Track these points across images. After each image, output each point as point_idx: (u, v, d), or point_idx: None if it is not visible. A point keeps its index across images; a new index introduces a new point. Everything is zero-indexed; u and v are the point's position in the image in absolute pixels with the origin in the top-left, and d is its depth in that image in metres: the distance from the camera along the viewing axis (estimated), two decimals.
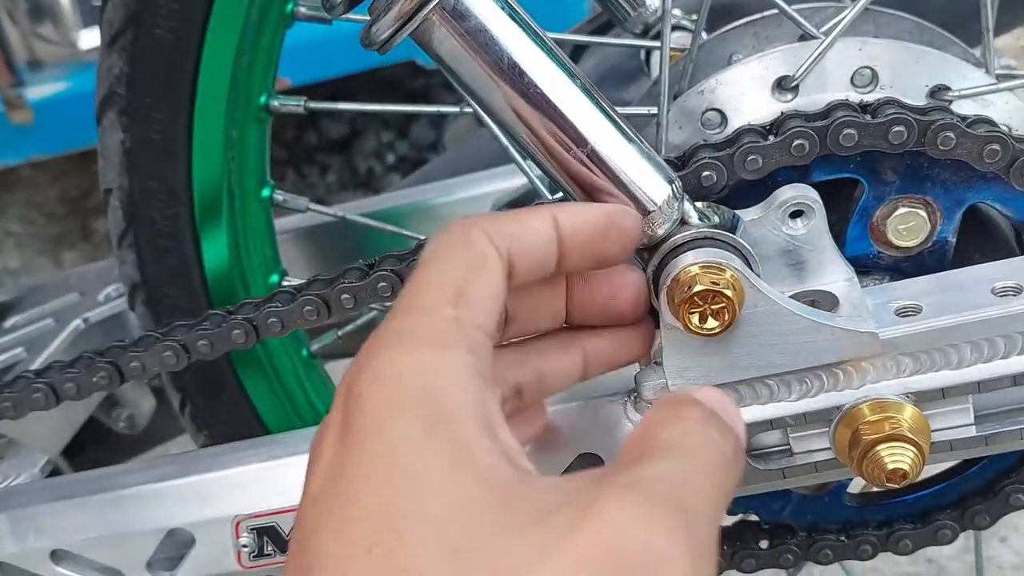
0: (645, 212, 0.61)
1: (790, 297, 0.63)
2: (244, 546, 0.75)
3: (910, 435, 0.62)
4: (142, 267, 0.88)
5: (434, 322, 0.48)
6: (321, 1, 0.59)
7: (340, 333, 0.98)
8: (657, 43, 0.91)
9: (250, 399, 0.94)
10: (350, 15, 0.84)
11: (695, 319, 0.60)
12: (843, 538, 0.78)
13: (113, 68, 0.80)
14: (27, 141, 2.47)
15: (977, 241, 0.70)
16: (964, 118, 0.66)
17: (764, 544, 0.80)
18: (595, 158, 0.60)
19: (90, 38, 2.34)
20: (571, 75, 0.59)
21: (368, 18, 0.59)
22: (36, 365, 0.99)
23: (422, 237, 0.79)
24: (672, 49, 0.85)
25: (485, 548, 0.40)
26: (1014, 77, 0.74)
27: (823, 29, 0.74)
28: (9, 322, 1.12)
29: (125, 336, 1.10)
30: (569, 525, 0.40)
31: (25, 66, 2.41)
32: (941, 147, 0.65)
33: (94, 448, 1.20)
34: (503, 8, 0.57)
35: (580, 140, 0.59)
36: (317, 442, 0.48)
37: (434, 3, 0.55)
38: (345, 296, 0.74)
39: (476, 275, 0.51)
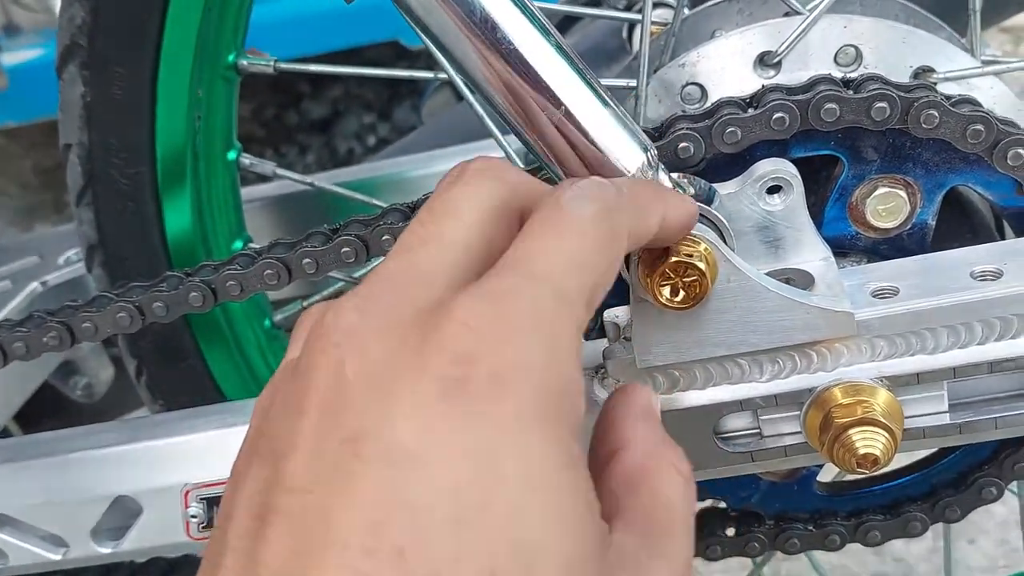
0: None
1: (765, 274, 0.61)
2: (193, 516, 0.72)
3: (883, 420, 0.60)
4: (100, 227, 0.85)
5: (575, 322, 0.43)
6: None
7: (305, 304, 0.95)
8: (639, 16, 0.89)
9: (209, 369, 0.91)
10: None
11: (666, 292, 0.58)
12: (811, 527, 0.76)
13: (75, 17, 0.78)
14: (1, 108, 2.42)
15: (957, 225, 0.68)
16: (948, 97, 0.64)
17: (731, 532, 0.78)
18: (569, 121, 0.57)
19: None
20: (546, 33, 0.57)
21: None
22: None
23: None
24: (655, 24, 0.83)
25: None
26: (1000, 62, 0.72)
27: (809, 6, 0.72)
28: None
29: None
30: None
31: (1, 32, 2.37)
32: (924, 125, 0.63)
33: (51, 419, 1.17)
34: None
35: (554, 101, 0.57)
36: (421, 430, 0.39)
37: None
38: (307, 260, 0.71)
39: (609, 277, 0.46)
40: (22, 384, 1.00)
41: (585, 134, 0.58)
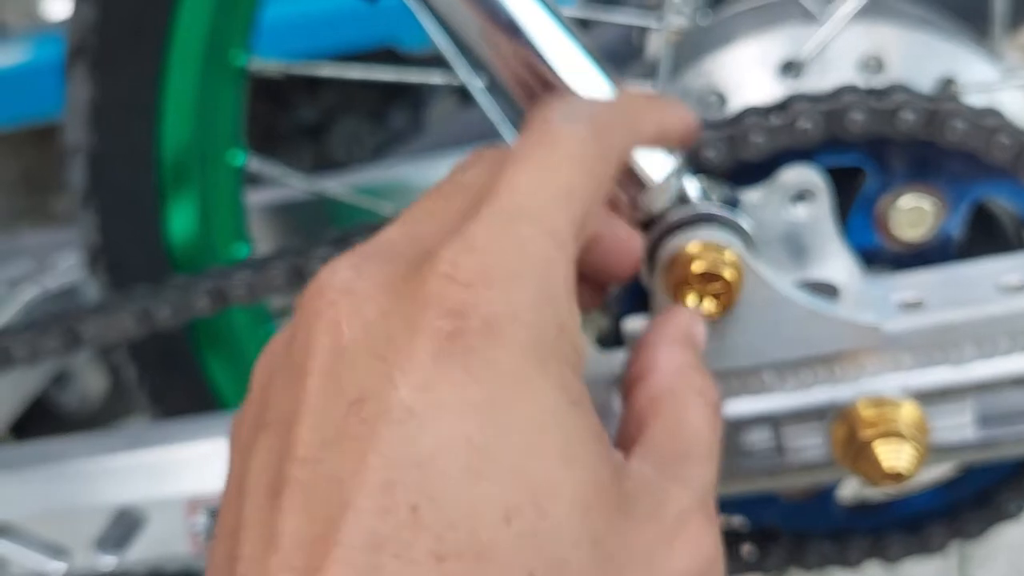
0: (642, 186, 0.58)
1: (790, 284, 0.60)
2: (198, 527, 0.71)
3: (908, 433, 0.59)
4: (104, 230, 0.84)
5: (565, 256, 0.42)
6: None
7: None
8: (653, 23, 0.88)
9: (211, 376, 0.90)
10: None
11: (692, 301, 0.57)
12: (831, 544, 0.75)
13: (85, 18, 0.76)
14: None
15: (982, 239, 0.67)
16: (973, 108, 0.64)
17: (748, 548, 0.77)
18: None
19: (57, 9, 2.29)
20: (573, 37, 0.56)
21: None
22: None
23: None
24: (673, 32, 0.82)
25: (619, 540, 0.39)
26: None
27: (830, 13, 0.72)
28: None
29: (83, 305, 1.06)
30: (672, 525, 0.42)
31: None
32: (949, 136, 0.62)
33: (43, 428, 1.15)
34: None
35: None
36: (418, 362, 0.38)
37: None
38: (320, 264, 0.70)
39: (600, 200, 0.46)
40: (19, 392, 0.98)
41: None
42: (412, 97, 2.89)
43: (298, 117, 2.99)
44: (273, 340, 0.45)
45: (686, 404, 0.47)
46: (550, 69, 0.54)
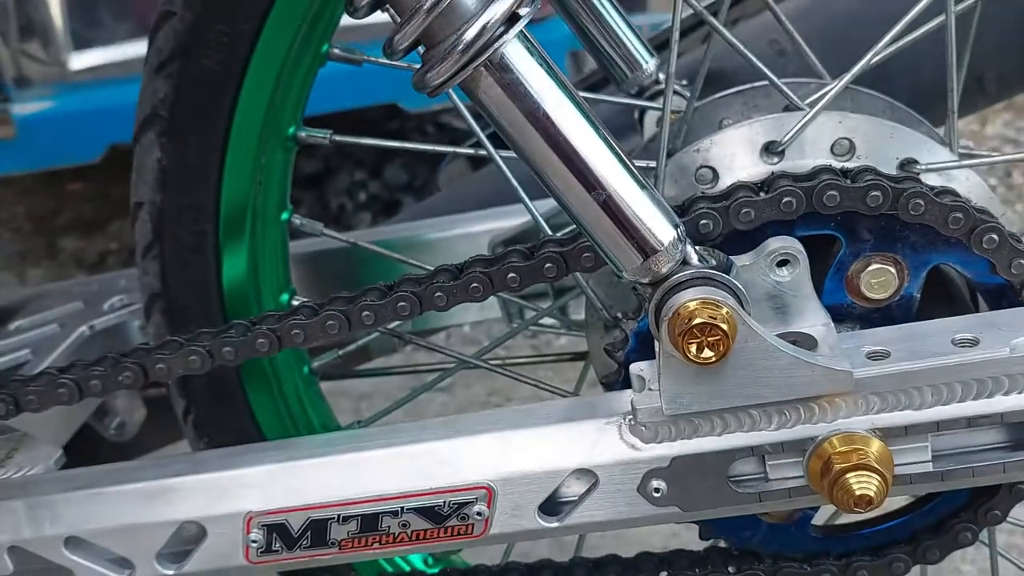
0: (652, 251, 0.68)
1: (776, 336, 0.71)
2: (253, 542, 0.79)
3: (877, 466, 0.70)
4: (164, 278, 0.93)
5: None
6: (345, 5, 0.66)
7: (340, 352, 1.03)
8: (654, 104, 1.00)
9: (252, 410, 0.99)
10: (377, 59, 0.92)
11: (693, 349, 0.68)
12: (806, 566, 0.85)
13: (158, 92, 0.86)
14: (6, 156, 2.49)
15: (939, 298, 0.78)
16: (932, 188, 0.75)
17: (732, 569, 0.86)
18: (612, 200, 0.67)
19: (80, 60, 2.39)
20: (595, 126, 0.67)
21: (395, 63, 0.66)
22: (44, 367, 1.03)
23: (428, 267, 0.85)
24: (672, 112, 0.93)
25: None
26: (975, 156, 0.83)
27: (807, 101, 0.83)
28: (13, 325, 1.16)
29: (125, 345, 1.15)
30: None
31: (12, 82, 2.45)
32: (912, 212, 0.73)
33: (82, 456, 1.24)
34: (541, 64, 0.65)
35: (600, 184, 0.67)
36: None
37: (484, 56, 0.63)
38: (366, 313, 0.80)
39: None
40: (68, 422, 1.07)
41: (626, 211, 0.68)
42: (409, 155, 3.01)
43: (297, 169, 3.10)
44: None
45: None
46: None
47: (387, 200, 3.01)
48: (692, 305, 0.68)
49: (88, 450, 1.22)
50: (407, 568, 1.05)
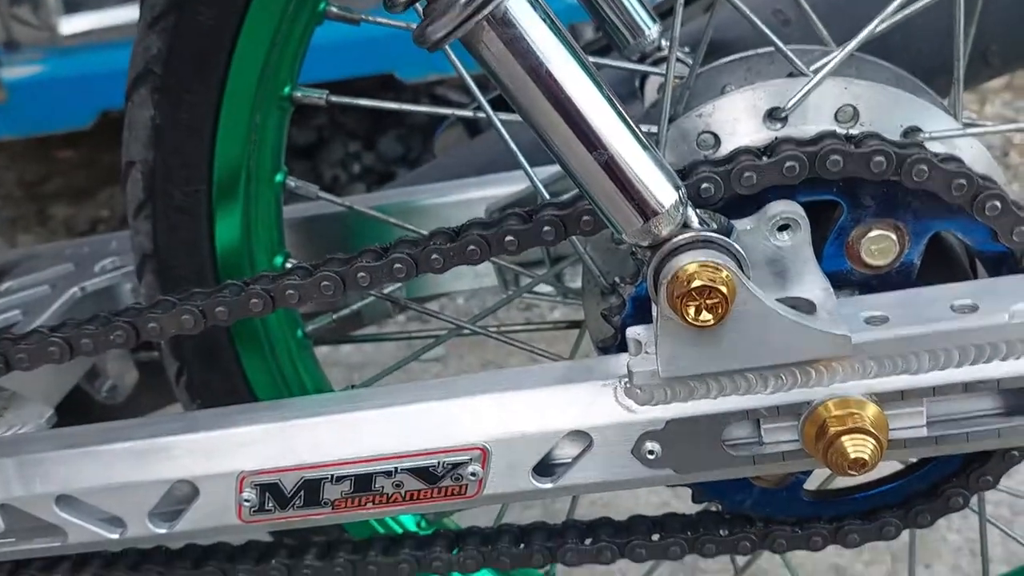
0: (653, 213, 0.68)
1: (775, 300, 0.71)
2: (246, 501, 0.79)
3: (872, 429, 0.70)
4: (156, 238, 0.92)
5: None
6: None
7: (335, 316, 1.03)
8: (658, 69, 0.99)
9: (245, 373, 0.98)
10: (375, 18, 0.91)
11: (691, 311, 0.67)
12: (797, 530, 0.85)
13: (151, 48, 0.85)
14: None
15: (938, 265, 0.78)
16: (936, 155, 0.74)
17: (724, 532, 0.86)
18: (614, 160, 0.67)
19: (71, 25, 2.38)
20: (598, 85, 0.66)
21: (393, 22, 0.65)
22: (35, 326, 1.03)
23: (423, 232, 0.84)
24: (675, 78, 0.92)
25: None
26: (979, 125, 0.82)
27: (812, 68, 0.82)
28: (3, 287, 1.15)
29: (116, 307, 1.14)
30: None
31: (1, 47, 2.42)
32: (915, 178, 0.73)
33: (73, 419, 1.23)
34: (544, 20, 0.64)
35: (602, 143, 0.66)
36: None
37: (487, 11, 0.62)
38: (362, 275, 0.79)
39: None
40: (59, 383, 1.07)
41: (628, 172, 0.67)
42: (404, 126, 3.00)
43: (291, 139, 3.08)
44: None
45: None
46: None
47: (381, 172, 2.99)
48: (692, 268, 0.67)
49: (80, 413, 1.21)
50: (399, 530, 1.05)
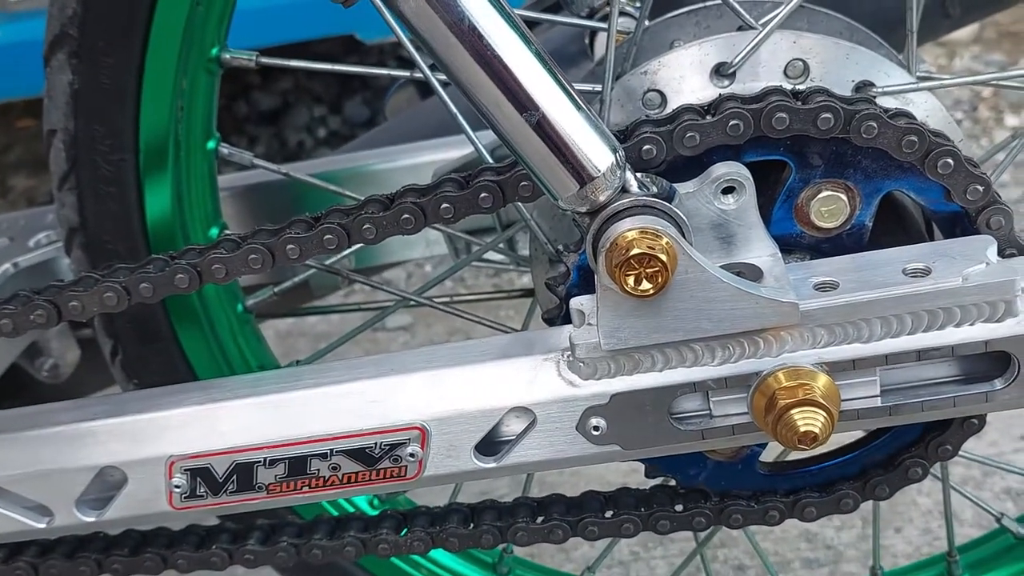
0: (589, 177, 0.64)
1: (719, 267, 0.67)
2: (176, 487, 0.76)
3: (822, 401, 0.67)
4: (82, 211, 0.88)
5: None
6: None
7: (276, 290, 0.99)
8: (603, 24, 0.95)
9: (183, 350, 0.95)
10: None
11: (631, 281, 0.64)
12: (753, 504, 0.82)
13: (66, 8, 0.81)
14: None
15: (891, 227, 0.75)
16: (886, 110, 0.71)
17: (679, 507, 0.84)
18: (545, 122, 0.63)
19: None
20: (527, 42, 0.62)
21: None
22: None
23: (361, 199, 0.80)
24: (618, 32, 0.88)
25: None
26: (934, 79, 0.79)
27: (761, 21, 0.79)
28: None
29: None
30: None
31: None
32: (864, 135, 0.69)
33: (14, 399, 1.19)
34: None
35: (532, 104, 0.63)
36: None
37: None
38: (291, 247, 0.75)
39: None
40: None
41: (561, 135, 0.63)
42: (370, 89, 2.94)
43: (255, 104, 3.02)
44: None
45: None
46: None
47: (347, 136, 2.94)
48: (630, 235, 0.64)
49: (20, 393, 1.17)
50: (351, 510, 1.02)
